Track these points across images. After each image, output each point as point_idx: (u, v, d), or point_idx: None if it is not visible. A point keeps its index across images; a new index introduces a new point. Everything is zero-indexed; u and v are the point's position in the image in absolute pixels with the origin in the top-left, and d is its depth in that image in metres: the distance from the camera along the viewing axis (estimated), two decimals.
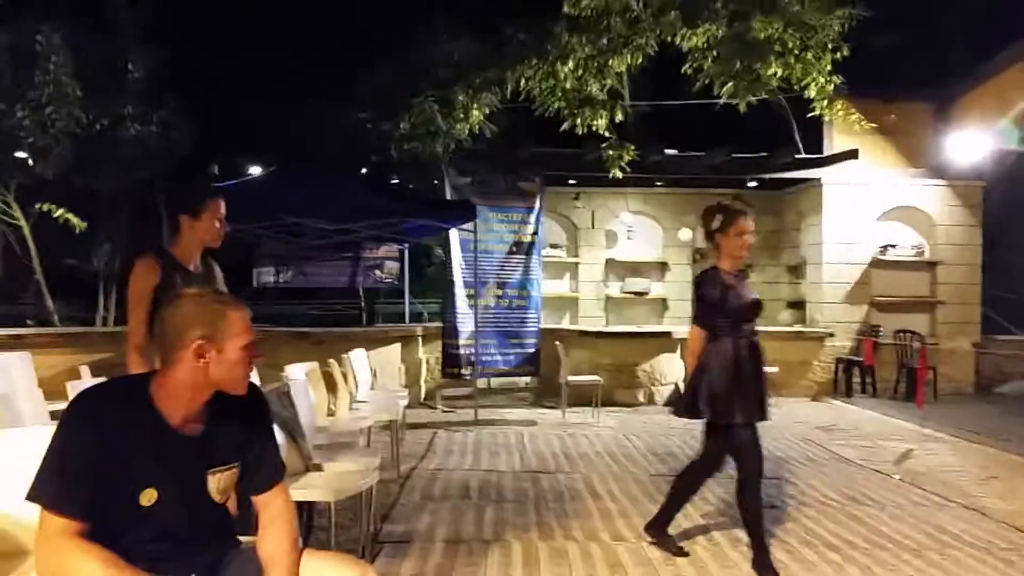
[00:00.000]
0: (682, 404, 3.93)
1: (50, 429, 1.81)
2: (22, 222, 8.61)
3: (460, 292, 9.14)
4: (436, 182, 9.81)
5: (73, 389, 3.92)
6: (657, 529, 4.15)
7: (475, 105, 9.22)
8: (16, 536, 2.14)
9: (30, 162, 8.27)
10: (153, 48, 9.14)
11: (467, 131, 9.39)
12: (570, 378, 8.53)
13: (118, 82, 8.86)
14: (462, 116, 9.26)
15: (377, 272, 11.81)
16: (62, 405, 2.67)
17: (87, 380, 5.22)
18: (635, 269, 12.30)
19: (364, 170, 10.89)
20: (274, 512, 2.06)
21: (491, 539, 4.25)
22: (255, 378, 2.95)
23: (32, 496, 1.73)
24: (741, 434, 3.76)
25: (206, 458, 1.95)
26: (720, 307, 3.78)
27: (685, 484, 4.12)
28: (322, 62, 11.39)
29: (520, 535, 4.33)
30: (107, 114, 8.65)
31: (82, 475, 1.73)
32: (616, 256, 12.26)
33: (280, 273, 11.38)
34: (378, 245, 11.29)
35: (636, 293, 12.14)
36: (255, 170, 11.42)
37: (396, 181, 11.03)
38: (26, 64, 7.97)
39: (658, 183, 11.86)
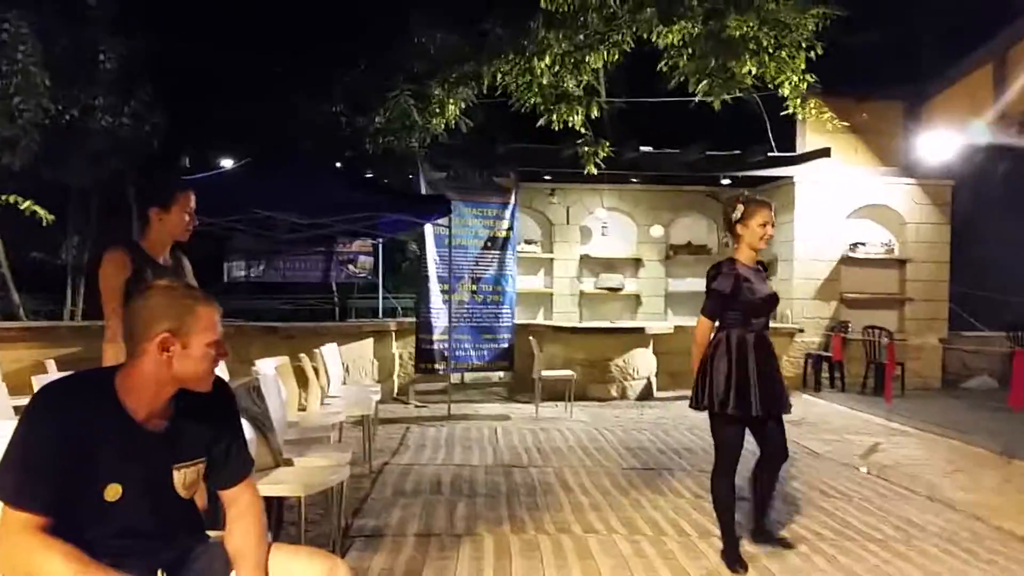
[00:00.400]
0: (693, 398, 3.87)
1: (13, 423, 1.79)
2: None
3: (434, 287, 9.12)
4: (411, 177, 9.77)
5: (39, 383, 3.86)
6: (759, 533, 4.12)
7: (451, 100, 9.22)
8: None
9: None
10: (124, 38, 8.97)
11: (443, 126, 9.39)
12: (544, 373, 8.56)
13: (88, 72, 8.68)
14: (438, 111, 9.25)
15: (351, 267, 11.71)
16: (27, 400, 2.64)
17: (53, 374, 5.15)
18: (609, 265, 12.37)
19: (338, 164, 10.83)
20: (242, 507, 2.06)
21: (463, 533, 4.25)
22: (224, 373, 2.93)
23: None
24: (727, 429, 3.78)
25: (171, 453, 1.93)
26: (733, 300, 3.76)
27: (762, 483, 4.05)
28: (297, 55, 11.28)
29: (492, 528, 4.33)
30: (77, 105, 8.49)
31: (45, 470, 1.71)
32: (590, 252, 12.31)
33: (251, 267, 11.21)
34: (352, 240, 11.19)
35: (610, 289, 12.20)
36: (227, 163, 11.29)
37: (371, 175, 10.98)
38: None
39: (633, 180, 11.92)
